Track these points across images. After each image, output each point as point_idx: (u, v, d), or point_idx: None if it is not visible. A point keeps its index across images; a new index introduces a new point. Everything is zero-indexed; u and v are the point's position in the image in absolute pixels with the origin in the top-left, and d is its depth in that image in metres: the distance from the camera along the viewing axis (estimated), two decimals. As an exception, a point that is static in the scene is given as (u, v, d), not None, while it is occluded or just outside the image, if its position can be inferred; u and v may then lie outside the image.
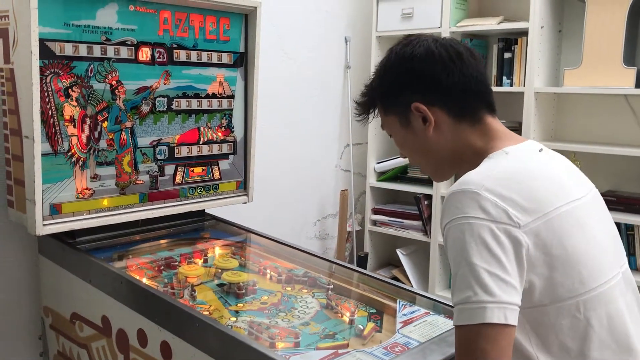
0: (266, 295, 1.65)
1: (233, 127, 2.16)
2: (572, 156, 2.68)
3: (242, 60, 2.14)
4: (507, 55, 2.84)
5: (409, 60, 1.12)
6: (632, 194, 2.63)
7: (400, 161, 3.21)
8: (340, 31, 3.25)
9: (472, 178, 1.00)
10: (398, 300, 1.59)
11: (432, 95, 1.12)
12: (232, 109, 2.14)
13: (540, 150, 1.13)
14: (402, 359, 1.24)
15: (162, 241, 2.00)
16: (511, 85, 2.82)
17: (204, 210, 2.17)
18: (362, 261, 3.20)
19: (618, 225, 2.61)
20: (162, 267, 1.79)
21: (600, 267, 1.02)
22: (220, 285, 1.71)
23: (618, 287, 1.04)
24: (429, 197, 3.06)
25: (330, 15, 3.17)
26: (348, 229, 3.25)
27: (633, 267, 2.58)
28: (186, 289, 1.61)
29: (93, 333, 1.68)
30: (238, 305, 1.58)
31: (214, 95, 2.07)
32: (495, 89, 2.92)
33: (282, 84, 2.92)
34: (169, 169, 1.97)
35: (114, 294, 1.59)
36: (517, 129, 2.92)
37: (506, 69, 2.84)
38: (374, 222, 3.31)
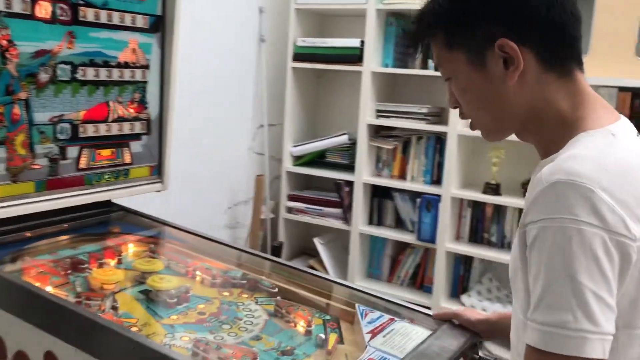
0: (202, 304, 1.40)
1: (147, 103, 1.85)
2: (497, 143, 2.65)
3: (160, 25, 1.83)
4: (433, 37, 2.73)
5: None
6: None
7: (319, 145, 3.03)
8: (254, 0, 2.98)
9: (584, 169, 0.78)
10: (357, 305, 1.41)
11: (524, 32, 0.87)
12: (146, 82, 1.83)
13: (638, 134, 0.93)
14: (388, 381, 1.06)
15: (62, 238, 1.67)
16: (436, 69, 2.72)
17: (110, 200, 1.85)
18: (276, 251, 2.99)
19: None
20: (69, 271, 1.47)
21: None
22: (144, 292, 1.43)
23: None
24: (349, 184, 2.92)
25: (244, -17, 2.90)
26: (261, 216, 3.03)
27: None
28: (106, 299, 1.32)
29: (-22, 356, 1.34)
30: (171, 317, 1.32)
31: (126, 65, 1.75)
32: (420, 72, 2.83)
33: (189, 56, 2.60)
34: (72, 151, 1.64)
35: (9, 307, 1.27)
36: (439, 114, 2.85)
37: (432, 51, 2.73)
38: (289, 209, 3.11)
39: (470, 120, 1.00)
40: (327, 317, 1.41)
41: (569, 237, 0.75)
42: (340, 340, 1.30)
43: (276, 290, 1.52)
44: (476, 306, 2.71)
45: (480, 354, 1.32)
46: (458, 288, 2.85)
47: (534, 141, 0.97)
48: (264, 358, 1.18)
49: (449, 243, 2.74)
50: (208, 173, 2.83)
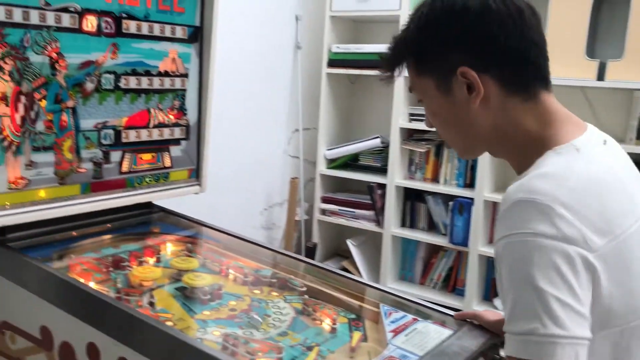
0: (234, 301, 1.48)
1: (186, 110, 1.95)
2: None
3: (198, 35, 1.92)
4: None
5: (460, 13, 0.92)
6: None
7: (352, 148, 3.09)
8: (291, 8, 3.06)
9: (544, 187, 0.84)
10: (381, 305, 1.46)
11: (484, 60, 0.93)
12: (185, 89, 1.92)
13: (605, 142, 0.98)
14: (406, 377, 1.11)
15: (105, 237, 1.77)
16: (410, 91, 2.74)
17: (150, 201, 1.95)
18: (310, 252, 3.06)
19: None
20: (111, 269, 1.57)
21: None
22: (180, 289, 1.52)
23: None
24: (382, 187, 2.96)
25: (280, -9, 2.98)
26: (296, 218, 3.10)
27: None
28: (144, 295, 1.41)
29: (29, 346, 1.44)
30: (204, 313, 1.40)
31: (166, 73, 1.84)
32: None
33: (228, 63, 2.70)
34: (115, 156, 1.74)
35: (56, 301, 1.37)
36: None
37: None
38: (323, 212, 3.17)
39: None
40: (352, 315, 1.47)
41: (529, 249, 0.80)
42: (364, 339, 1.36)
43: (304, 289, 1.58)
44: (508, 310, 2.71)
45: (502, 354, 1.35)
46: (490, 291, 2.86)
47: (506, 158, 1.02)
48: (289, 353, 1.24)
49: (481, 246, 2.75)
50: (245, 175, 2.92)
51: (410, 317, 1.41)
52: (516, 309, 0.82)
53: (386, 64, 1.03)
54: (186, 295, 1.48)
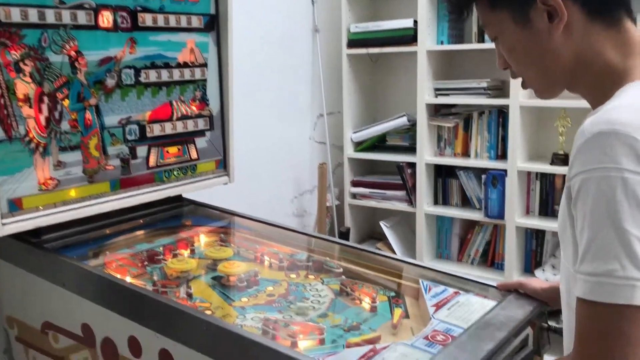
0: (271, 286, 1.46)
1: (208, 100, 1.93)
2: (563, 112, 2.58)
3: (214, 24, 1.90)
4: (488, 9, 2.68)
5: None
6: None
7: (378, 129, 3.04)
8: (306, -9, 3.02)
9: (626, 117, 0.77)
10: (420, 280, 1.43)
11: None
12: (205, 79, 1.91)
13: None
14: (453, 350, 1.08)
15: (138, 232, 1.78)
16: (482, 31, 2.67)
17: (181, 195, 1.95)
18: (343, 237, 3.03)
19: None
20: (146, 263, 1.57)
21: None
22: (216, 278, 1.50)
23: None
24: (412, 165, 2.91)
25: (294, -26, 2.94)
26: (327, 204, 3.07)
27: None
28: (181, 286, 1.40)
29: (72, 344, 1.45)
30: (242, 300, 1.39)
31: (185, 64, 1.83)
32: (477, 46, 2.79)
33: (246, 51, 2.67)
34: (142, 151, 1.74)
35: (95, 298, 1.37)
36: (499, 87, 2.79)
37: (487, 24, 2.68)
38: (354, 195, 3.14)
39: (521, 79, 1.01)
40: (392, 293, 1.44)
41: (613, 186, 0.75)
42: (406, 315, 1.33)
43: (341, 270, 1.56)
44: (551, 280, 2.65)
45: (550, 323, 1.31)
46: (531, 263, 2.80)
47: (583, 93, 0.97)
48: (331, 333, 1.22)
49: (518, 218, 2.69)
50: (272, 164, 2.90)
51: (451, 290, 1.38)
52: (592, 248, 0.77)
53: (455, 4, 0.99)
54: (223, 284, 1.47)
